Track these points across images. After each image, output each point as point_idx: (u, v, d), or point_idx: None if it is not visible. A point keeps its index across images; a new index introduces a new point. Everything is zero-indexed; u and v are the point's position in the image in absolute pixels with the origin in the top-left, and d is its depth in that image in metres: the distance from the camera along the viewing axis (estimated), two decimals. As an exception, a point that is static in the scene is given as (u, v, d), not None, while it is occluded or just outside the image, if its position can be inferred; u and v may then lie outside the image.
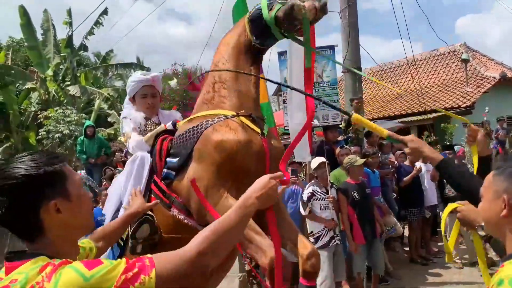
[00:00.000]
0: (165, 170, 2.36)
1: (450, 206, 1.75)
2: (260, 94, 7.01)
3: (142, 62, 20.14)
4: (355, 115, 1.97)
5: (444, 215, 1.86)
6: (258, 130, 2.26)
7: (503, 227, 1.20)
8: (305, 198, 4.88)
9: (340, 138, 6.76)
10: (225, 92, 2.36)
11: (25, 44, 16.83)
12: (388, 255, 5.90)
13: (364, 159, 5.26)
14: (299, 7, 2.03)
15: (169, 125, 2.61)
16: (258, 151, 2.22)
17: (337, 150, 6.01)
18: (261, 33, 2.27)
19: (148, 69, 24.88)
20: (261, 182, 1.36)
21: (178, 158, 2.29)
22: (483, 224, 1.37)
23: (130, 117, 2.80)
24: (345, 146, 6.23)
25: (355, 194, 4.98)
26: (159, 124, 2.76)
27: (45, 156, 1.20)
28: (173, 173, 2.31)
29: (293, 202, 5.23)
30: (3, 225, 1.15)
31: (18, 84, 16.07)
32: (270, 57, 8.85)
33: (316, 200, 4.88)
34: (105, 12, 16.22)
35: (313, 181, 5.19)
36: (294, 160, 5.89)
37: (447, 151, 6.65)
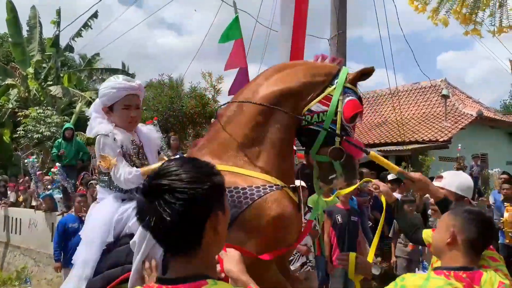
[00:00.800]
0: None
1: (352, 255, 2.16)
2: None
3: (128, 68, 20.01)
4: (372, 153, 2.08)
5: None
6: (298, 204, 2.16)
7: (445, 252, 1.70)
8: None
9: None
10: (273, 153, 2.09)
11: (9, 39, 16.51)
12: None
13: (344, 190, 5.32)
14: None
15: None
16: (299, 226, 2.20)
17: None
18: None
19: (133, 76, 24.75)
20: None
21: None
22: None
23: (114, 136, 2.16)
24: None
25: (338, 217, 5.06)
26: (141, 145, 2.35)
27: (205, 165, 1.14)
28: None
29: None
30: (159, 237, 1.08)
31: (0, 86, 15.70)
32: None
33: None
34: (95, 15, 16.12)
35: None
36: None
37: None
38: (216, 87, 9.77)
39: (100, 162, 2.19)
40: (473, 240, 1.64)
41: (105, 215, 2.15)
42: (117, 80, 2.30)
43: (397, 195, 6.54)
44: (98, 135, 2.19)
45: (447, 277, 1.56)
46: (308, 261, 4.80)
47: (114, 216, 2.12)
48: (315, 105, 2.09)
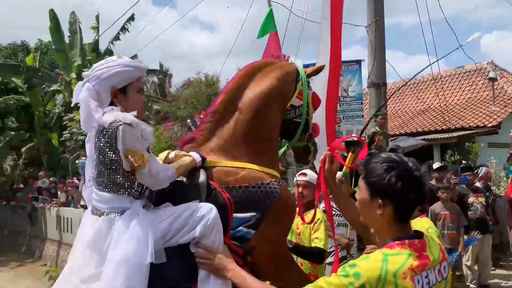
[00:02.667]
0: (242, 228, 2.02)
1: None
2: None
3: (167, 69, 20.36)
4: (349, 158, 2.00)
5: None
6: None
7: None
8: None
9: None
10: (273, 148, 2.42)
11: (53, 46, 17.22)
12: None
13: None
14: None
15: (198, 159, 2.04)
16: None
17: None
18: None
19: (170, 76, 25.21)
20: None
21: (253, 215, 2.04)
22: None
23: (139, 126, 1.81)
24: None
25: None
26: None
27: None
28: (253, 232, 2.03)
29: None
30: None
31: (44, 86, 16.43)
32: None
33: (333, 215, 4.82)
34: (131, 18, 16.52)
35: (330, 196, 5.13)
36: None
37: (466, 173, 6.40)
38: (252, 82, 9.79)
39: (128, 158, 1.77)
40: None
41: (145, 231, 1.74)
42: (128, 59, 1.98)
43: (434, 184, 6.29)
44: (120, 124, 1.75)
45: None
46: (349, 255, 4.69)
47: (155, 230, 1.77)
48: (294, 100, 2.39)
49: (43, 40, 22.67)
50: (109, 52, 17.47)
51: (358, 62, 6.55)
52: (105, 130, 1.79)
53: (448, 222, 5.64)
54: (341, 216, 4.76)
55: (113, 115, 1.79)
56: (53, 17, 15.85)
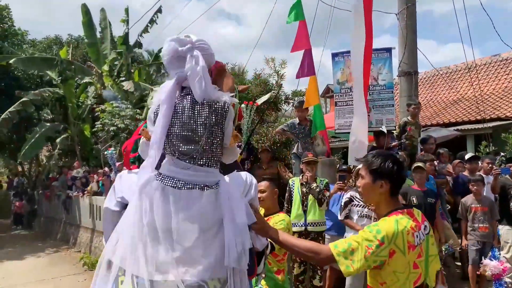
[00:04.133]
0: None
1: None
2: (311, 95, 7.00)
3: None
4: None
5: None
6: None
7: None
8: (342, 203, 4.83)
9: (393, 144, 6.52)
10: None
11: (85, 40, 17.64)
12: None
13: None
14: None
15: None
16: None
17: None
18: None
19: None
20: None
21: None
22: None
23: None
24: (399, 152, 6.01)
25: (413, 198, 4.81)
26: None
27: None
28: None
29: (338, 206, 5.24)
30: None
31: (77, 78, 16.89)
32: (321, 59, 8.72)
33: (355, 206, 4.77)
34: (159, 10, 16.68)
35: (355, 187, 5.09)
36: (343, 166, 5.76)
37: (510, 164, 6.16)
38: (279, 72, 9.66)
39: (233, 136, 2.01)
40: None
41: (242, 198, 2.00)
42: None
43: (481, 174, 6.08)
44: (229, 105, 1.94)
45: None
46: None
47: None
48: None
49: (73, 34, 23.32)
50: (138, 45, 17.77)
51: (389, 50, 6.38)
52: (219, 107, 1.91)
53: (479, 215, 5.47)
54: (364, 207, 4.72)
55: (225, 95, 1.94)
56: (86, 11, 16.21)
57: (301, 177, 5.29)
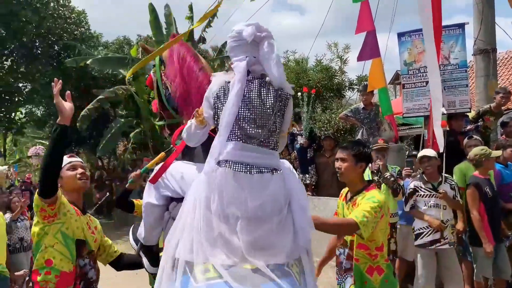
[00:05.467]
0: None
1: None
2: (375, 77, 6.67)
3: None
4: None
5: None
6: None
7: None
8: (406, 193, 4.58)
9: (468, 127, 6.04)
10: None
11: (153, 39, 18.45)
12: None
13: (499, 151, 4.62)
14: None
15: None
16: None
17: (465, 141, 5.38)
18: None
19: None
20: None
21: None
22: None
23: None
24: (474, 136, 5.55)
25: (487, 189, 4.42)
26: None
27: None
28: None
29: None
30: None
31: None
32: (388, 43, 8.28)
33: (420, 196, 4.49)
34: (220, 3, 16.93)
35: (418, 175, 4.79)
36: (413, 152, 5.48)
37: None
38: (342, 57, 9.36)
39: (290, 124, 2.19)
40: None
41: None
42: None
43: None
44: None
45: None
46: (442, 238, 4.37)
47: None
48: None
49: (141, 34, 24.49)
50: (203, 40, 18.23)
51: (461, 25, 5.87)
52: (284, 94, 2.01)
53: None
54: (431, 197, 4.42)
55: (288, 84, 2.04)
56: (152, 10, 16.92)
57: (370, 164, 5.02)
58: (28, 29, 17.45)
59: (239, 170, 1.86)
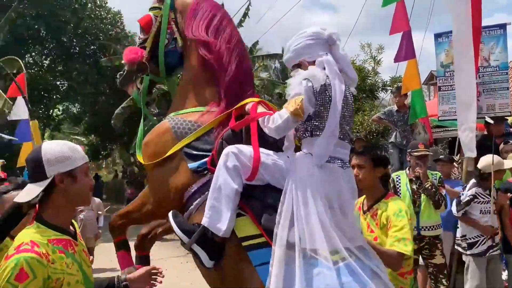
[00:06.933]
0: None
1: None
2: (409, 79, 6.47)
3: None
4: None
5: None
6: None
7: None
8: (463, 200, 4.34)
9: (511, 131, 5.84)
10: None
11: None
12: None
13: None
14: None
15: None
16: None
17: (501, 146, 5.20)
18: None
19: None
20: None
21: None
22: None
23: None
24: (510, 141, 5.36)
25: None
26: None
27: None
28: None
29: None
30: None
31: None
32: (423, 43, 8.04)
33: (478, 203, 4.31)
34: (250, 4, 16.99)
35: (475, 182, 4.51)
36: (440, 156, 5.35)
37: None
38: (376, 58, 9.23)
39: None
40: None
41: None
42: None
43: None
44: None
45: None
46: (494, 243, 4.26)
47: None
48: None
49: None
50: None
51: (503, 26, 5.66)
52: (351, 93, 2.15)
53: None
54: (488, 203, 4.24)
55: None
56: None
57: (408, 171, 4.57)
58: (66, 29, 18.09)
59: (338, 165, 2.03)
